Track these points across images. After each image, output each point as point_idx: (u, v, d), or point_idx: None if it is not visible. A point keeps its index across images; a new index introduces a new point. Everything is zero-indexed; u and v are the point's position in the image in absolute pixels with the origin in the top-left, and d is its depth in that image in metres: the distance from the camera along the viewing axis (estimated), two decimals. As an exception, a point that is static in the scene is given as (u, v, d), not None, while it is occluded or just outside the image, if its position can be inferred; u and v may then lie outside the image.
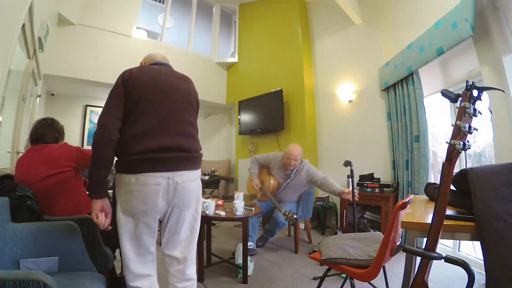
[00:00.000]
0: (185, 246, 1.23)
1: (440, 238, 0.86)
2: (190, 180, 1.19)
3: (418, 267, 0.91)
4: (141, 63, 1.43)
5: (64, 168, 1.57)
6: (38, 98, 3.24)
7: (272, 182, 2.80)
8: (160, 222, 1.23)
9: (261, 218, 2.94)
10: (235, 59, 5.38)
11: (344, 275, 1.98)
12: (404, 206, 1.23)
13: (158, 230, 1.21)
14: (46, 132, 1.65)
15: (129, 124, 1.14)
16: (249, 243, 2.53)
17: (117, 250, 1.49)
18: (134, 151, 1.10)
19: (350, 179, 2.60)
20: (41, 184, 1.51)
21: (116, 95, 1.15)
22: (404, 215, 1.18)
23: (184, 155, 1.18)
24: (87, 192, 1.76)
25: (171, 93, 1.22)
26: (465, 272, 0.81)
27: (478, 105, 0.85)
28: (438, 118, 2.97)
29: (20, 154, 1.95)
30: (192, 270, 1.25)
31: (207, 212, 2.09)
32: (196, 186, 1.23)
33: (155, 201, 1.11)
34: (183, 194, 1.16)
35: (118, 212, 1.13)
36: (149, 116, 1.15)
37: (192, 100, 1.30)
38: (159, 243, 1.23)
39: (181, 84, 1.28)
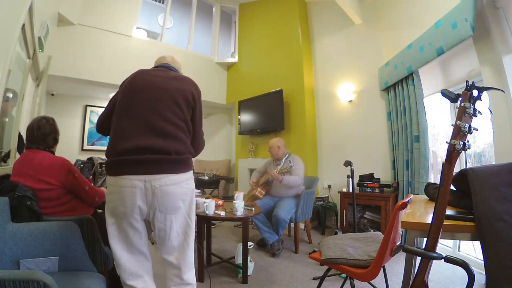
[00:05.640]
0: (180, 252, 1.19)
1: (440, 238, 0.86)
2: (172, 183, 1.12)
3: (418, 267, 0.91)
4: None
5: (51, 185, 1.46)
6: (38, 98, 3.23)
7: (267, 175, 3.02)
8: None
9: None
10: (235, 59, 5.38)
11: (344, 275, 1.98)
12: (404, 206, 1.23)
13: (152, 231, 1.21)
14: (48, 132, 1.55)
15: (112, 127, 1.19)
16: (271, 239, 2.65)
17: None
18: (112, 152, 1.13)
19: (350, 179, 2.61)
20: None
21: (109, 103, 1.28)
22: (404, 215, 1.17)
23: (162, 158, 1.11)
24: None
25: (152, 93, 1.19)
26: (465, 272, 0.81)
27: (478, 105, 0.85)
28: (438, 118, 2.97)
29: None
30: (190, 275, 1.21)
31: (207, 212, 2.08)
32: (179, 190, 1.15)
33: (133, 203, 1.09)
34: (162, 198, 1.11)
35: (105, 212, 1.16)
36: (126, 118, 1.16)
37: (178, 98, 1.20)
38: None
39: (168, 83, 1.23)
